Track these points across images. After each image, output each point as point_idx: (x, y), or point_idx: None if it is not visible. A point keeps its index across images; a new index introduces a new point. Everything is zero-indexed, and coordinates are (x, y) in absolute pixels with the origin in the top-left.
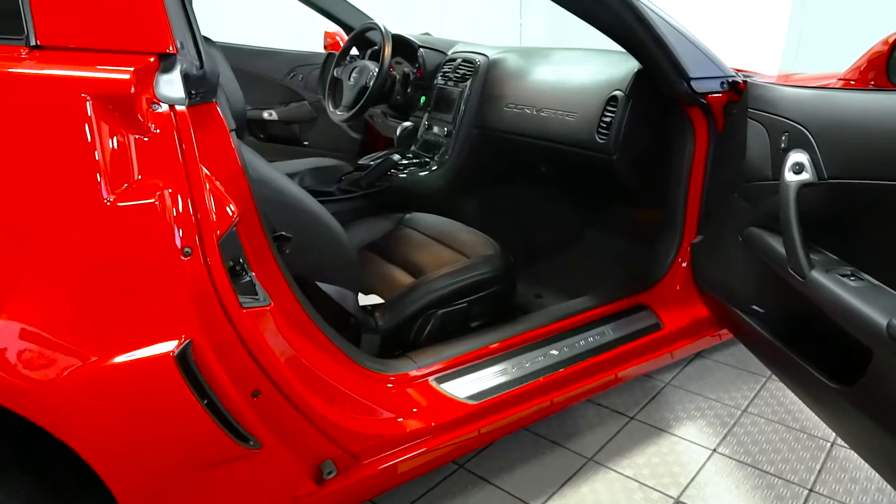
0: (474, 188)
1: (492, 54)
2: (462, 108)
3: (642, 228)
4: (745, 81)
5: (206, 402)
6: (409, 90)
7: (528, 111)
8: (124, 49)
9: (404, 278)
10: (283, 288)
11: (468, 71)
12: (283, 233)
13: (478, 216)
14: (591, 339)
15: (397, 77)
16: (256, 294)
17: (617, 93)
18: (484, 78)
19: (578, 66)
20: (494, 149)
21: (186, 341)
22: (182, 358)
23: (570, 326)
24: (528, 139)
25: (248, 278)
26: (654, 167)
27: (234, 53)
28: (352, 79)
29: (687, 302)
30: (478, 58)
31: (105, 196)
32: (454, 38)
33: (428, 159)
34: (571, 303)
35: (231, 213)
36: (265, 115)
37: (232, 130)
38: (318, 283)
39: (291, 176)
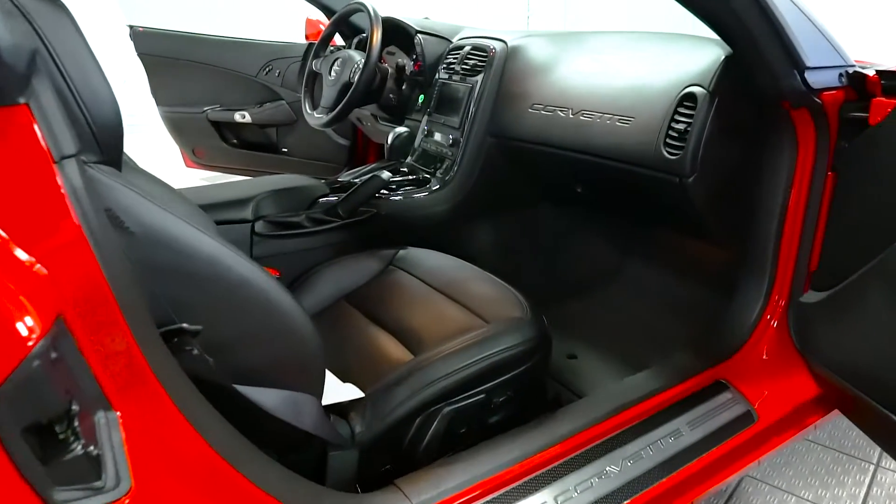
0: (487, 213)
1: (511, 40)
2: (472, 109)
3: (709, 270)
4: (882, 73)
5: None
6: (404, 87)
7: (560, 114)
8: None
9: (395, 352)
10: (176, 423)
11: (480, 62)
12: (183, 325)
13: (491, 247)
14: (661, 446)
15: (389, 70)
16: (95, 479)
17: (695, 90)
18: (501, 71)
19: (633, 54)
20: (514, 163)
21: None
22: None
23: (628, 423)
24: (561, 151)
25: (77, 450)
26: (736, 191)
27: (196, 44)
28: (333, 73)
29: (778, 376)
30: (492, 45)
31: None
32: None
33: (428, 175)
34: (625, 383)
35: (27, 335)
36: (237, 117)
37: (69, 158)
38: (256, 392)
39: (244, 202)
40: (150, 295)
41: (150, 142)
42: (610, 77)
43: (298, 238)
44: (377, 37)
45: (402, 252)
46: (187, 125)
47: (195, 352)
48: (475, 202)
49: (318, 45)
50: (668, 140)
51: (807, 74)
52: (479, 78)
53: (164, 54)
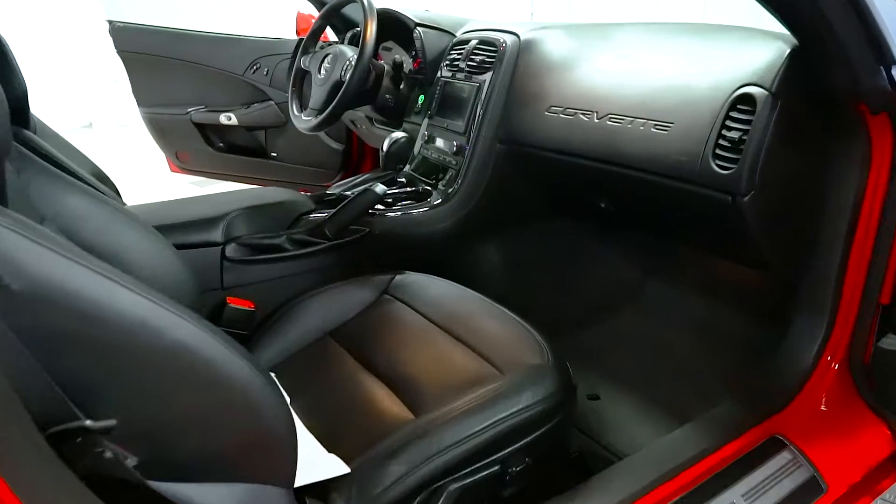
0: (495, 230)
1: (524, 32)
2: (479, 111)
3: (751, 296)
4: None
5: None
6: (402, 86)
7: (583, 118)
8: None
9: (389, 407)
10: None
11: (488, 58)
12: (85, 423)
13: (499, 267)
14: None
15: (385, 68)
16: None
17: (752, 90)
18: (512, 68)
19: (669, 49)
20: (527, 173)
21: None
22: None
23: (674, 495)
24: (583, 161)
25: None
26: (796, 210)
27: (179, 41)
28: (322, 71)
29: (842, 431)
30: (503, 38)
31: None
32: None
33: (428, 187)
34: (666, 442)
35: None
36: (222, 119)
37: None
38: (201, 493)
39: (212, 222)
40: (35, 378)
41: (143, 144)
42: (642, 75)
43: (277, 263)
44: (371, 30)
45: (398, 278)
46: (170, 127)
47: (107, 453)
48: (482, 218)
49: (307, 41)
50: (718, 151)
51: (894, 70)
52: (488, 76)
53: (144, 51)
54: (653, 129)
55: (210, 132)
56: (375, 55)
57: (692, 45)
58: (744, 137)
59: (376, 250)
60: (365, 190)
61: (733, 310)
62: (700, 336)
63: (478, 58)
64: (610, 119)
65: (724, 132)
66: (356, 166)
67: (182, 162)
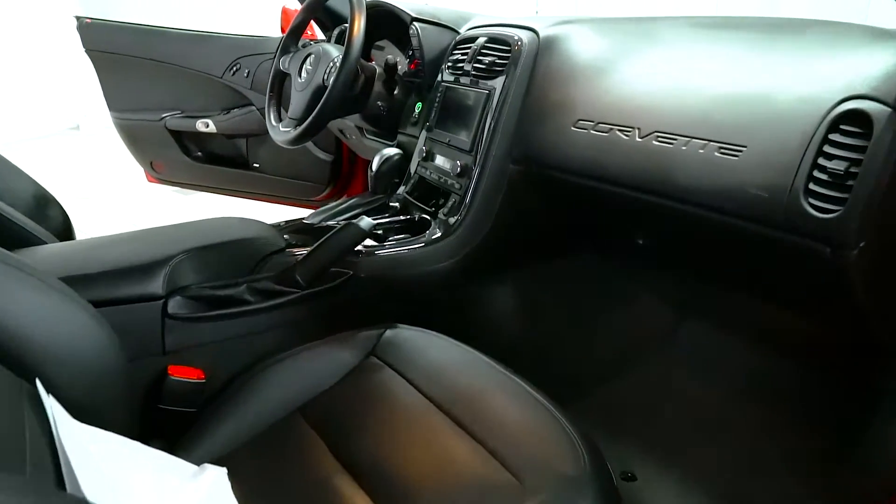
0: (506, 270)
1: (543, 28)
2: (489, 124)
3: (824, 353)
4: None
5: None
6: (396, 92)
7: (622, 135)
8: None
9: None
10: None
11: (500, 59)
12: None
13: (511, 314)
14: None
15: (377, 70)
16: None
17: (863, 105)
18: (530, 71)
19: (736, 50)
20: (548, 201)
21: None
22: None
23: None
24: (621, 190)
25: None
26: None
27: (152, 39)
28: (304, 73)
29: None
30: (517, 36)
31: None
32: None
33: (427, 216)
34: None
35: None
36: (199, 125)
37: None
38: None
39: (151, 268)
40: None
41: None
42: (700, 83)
43: (235, 319)
44: (359, 25)
45: (388, 334)
46: (143, 135)
47: None
48: (491, 255)
49: (287, 38)
50: (812, 186)
51: None
52: (499, 81)
53: (114, 50)
54: (717, 154)
55: (187, 140)
56: (367, 56)
57: (769, 43)
58: (853, 169)
59: (361, 298)
60: (347, 224)
61: (795, 364)
62: (753, 395)
63: (487, 59)
64: (657, 138)
65: (821, 161)
66: (347, 179)
67: (157, 172)
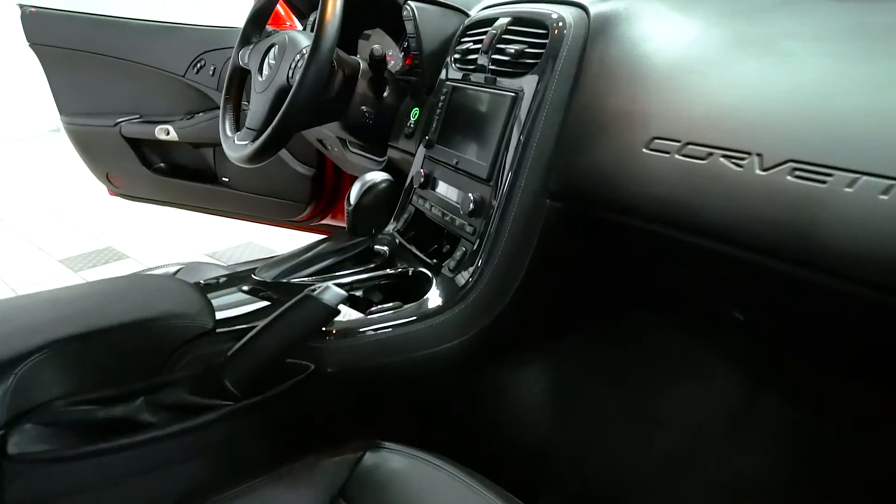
0: (536, 345)
1: (596, 4)
2: (515, 141)
3: None
4: None
5: None
6: (385, 94)
7: (730, 165)
8: None
9: None
10: None
11: (532, 48)
12: None
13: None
14: None
15: (361, 65)
16: None
17: None
18: (577, 66)
19: None
20: (602, 254)
21: None
22: None
23: None
24: (727, 248)
25: None
26: None
27: (104, 30)
28: (265, 69)
29: None
30: (559, 14)
31: None
32: None
33: (426, 269)
34: None
35: None
36: (158, 132)
37: None
38: None
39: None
40: None
41: None
42: (871, 85)
43: (125, 453)
44: (335, 5)
45: (368, 459)
46: (97, 143)
47: None
48: (517, 329)
49: (247, 25)
50: None
51: None
52: (530, 80)
53: (63, 44)
54: None
55: (146, 149)
56: (351, 48)
57: None
58: None
59: (328, 405)
60: (304, 298)
61: None
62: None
63: (512, 48)
64: (794, 172)
65: None
66: (331, 197)
67: (116, 186)
